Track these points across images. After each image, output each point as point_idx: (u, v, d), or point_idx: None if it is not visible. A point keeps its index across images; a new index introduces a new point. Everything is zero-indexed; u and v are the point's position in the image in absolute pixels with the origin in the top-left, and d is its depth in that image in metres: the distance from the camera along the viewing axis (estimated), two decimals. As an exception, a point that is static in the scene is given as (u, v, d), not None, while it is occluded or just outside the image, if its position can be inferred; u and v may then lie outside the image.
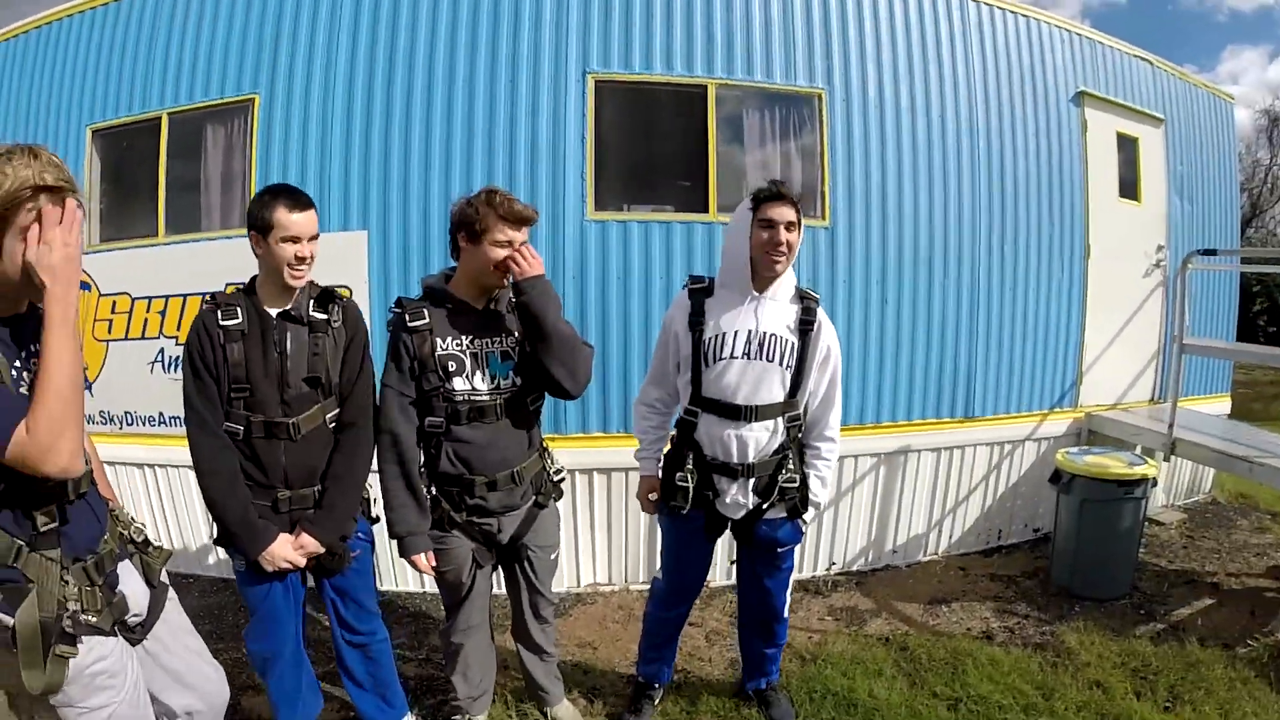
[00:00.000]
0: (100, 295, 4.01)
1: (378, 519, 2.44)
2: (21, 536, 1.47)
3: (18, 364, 1.50)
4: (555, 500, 2.48)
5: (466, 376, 2.20)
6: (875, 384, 4.01)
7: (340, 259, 3.58)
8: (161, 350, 3.87)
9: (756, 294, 2.30)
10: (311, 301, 2.19)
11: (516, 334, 2.26)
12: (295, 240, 2.05)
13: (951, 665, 3.03)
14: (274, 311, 2.14)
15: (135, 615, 1.71)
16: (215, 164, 3.91)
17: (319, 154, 3.70)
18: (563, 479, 2.51)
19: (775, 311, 2.31)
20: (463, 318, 2.23)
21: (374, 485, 2.30)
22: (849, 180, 3.94)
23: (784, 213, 2.22)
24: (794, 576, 3.95)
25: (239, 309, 2.11)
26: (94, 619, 1.54)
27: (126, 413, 4.02)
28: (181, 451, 3.88)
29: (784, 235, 2.22)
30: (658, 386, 2.52)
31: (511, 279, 2.18)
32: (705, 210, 3.72)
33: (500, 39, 3.66)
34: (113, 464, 3.81)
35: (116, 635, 1.62)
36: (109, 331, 4.00)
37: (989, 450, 4.38)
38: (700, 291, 2.37)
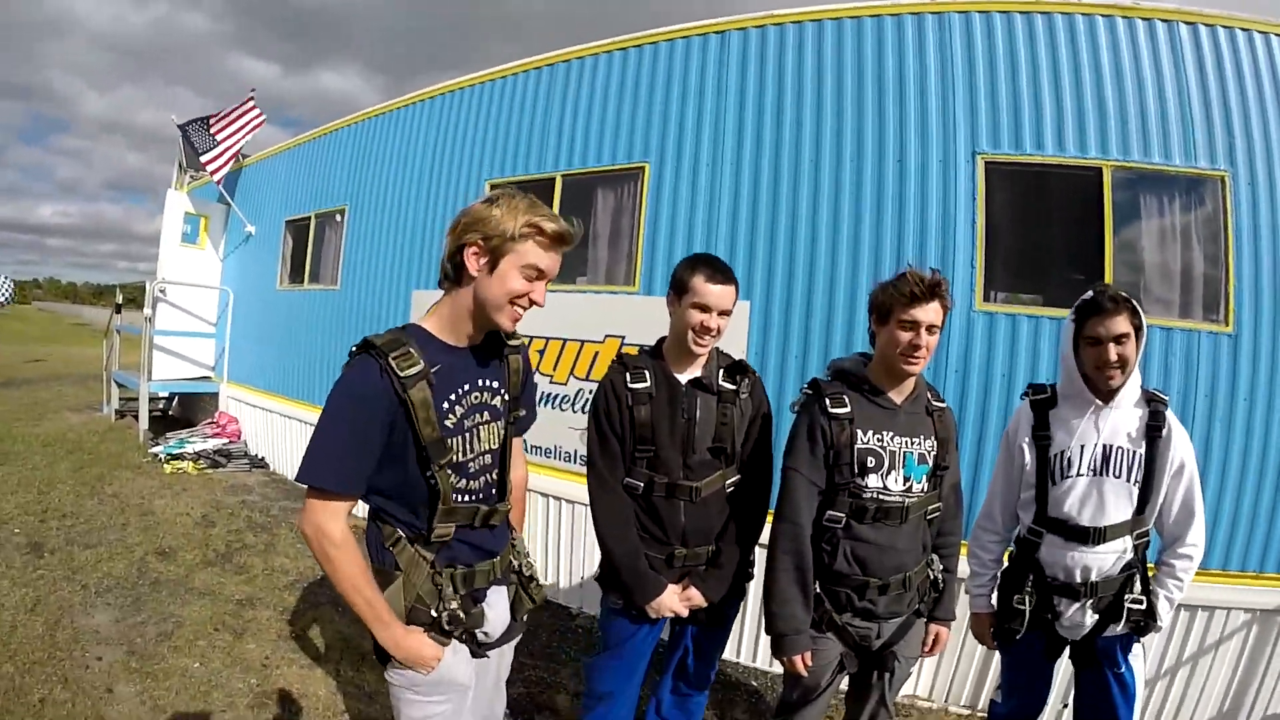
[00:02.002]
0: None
1: (752, 576, 2.46)
2: (405, 531, 1.61)
3: (452, 398, 1.60)
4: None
5: (881, 475, 2.07)
6: (1266, 525, 3.40)
7: (722, 325, 3.78)
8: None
9: (1100, 404, 2.13)
10: (721, 371, 2.24)
11: (934, 438, 2.15)
12: (705, 310, 2.10)
13: None
14: (683, 378, 2.20)
15: (485, 634, 1.75)
16: (604, 223, 4.31)
17: (706, 223, 3.92)
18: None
19: (1120, 420, 2.13)
20: (885, 412, 2.11)
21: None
22: (1255, 278, 3.44)
23: (1111, 327, 2.04)
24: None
25: (647, 372, 2.20)
26: (463, 625, 1.63)
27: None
28: (533, 479, 4.37)
29: (1114, 351, 2.04)
30: (1002, 509, 2.36)
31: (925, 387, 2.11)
32: (1100, 305, 3.48)
33: (887, 116, 3.68)
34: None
35: (464, 643, 1.70)
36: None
37: (1386, 622, 3.63)
38: (1043, 403, 2.23)
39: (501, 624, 1.80)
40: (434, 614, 1.60)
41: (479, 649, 1.74)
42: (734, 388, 2.24)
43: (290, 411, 6.82)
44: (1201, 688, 3.51)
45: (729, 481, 2.24)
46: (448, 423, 1.57)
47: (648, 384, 2.18)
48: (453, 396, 1.59)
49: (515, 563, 1.85)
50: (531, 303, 1.59)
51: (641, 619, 2.25)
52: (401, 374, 1.48)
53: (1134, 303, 2.06)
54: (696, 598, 2.24)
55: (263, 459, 7.31)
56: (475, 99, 5.08)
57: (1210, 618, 3.44)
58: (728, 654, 3.90)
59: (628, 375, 2.20)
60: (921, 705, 3.64)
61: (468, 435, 1.63)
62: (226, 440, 7.61)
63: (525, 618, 1.89)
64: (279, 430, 7.07)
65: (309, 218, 6.72)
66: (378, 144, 5.90)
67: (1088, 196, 3.55)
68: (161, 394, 8.76)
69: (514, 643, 1.90)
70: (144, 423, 7.79)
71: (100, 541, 4.72)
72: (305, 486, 1.52)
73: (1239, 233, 3.52)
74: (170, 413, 9.31)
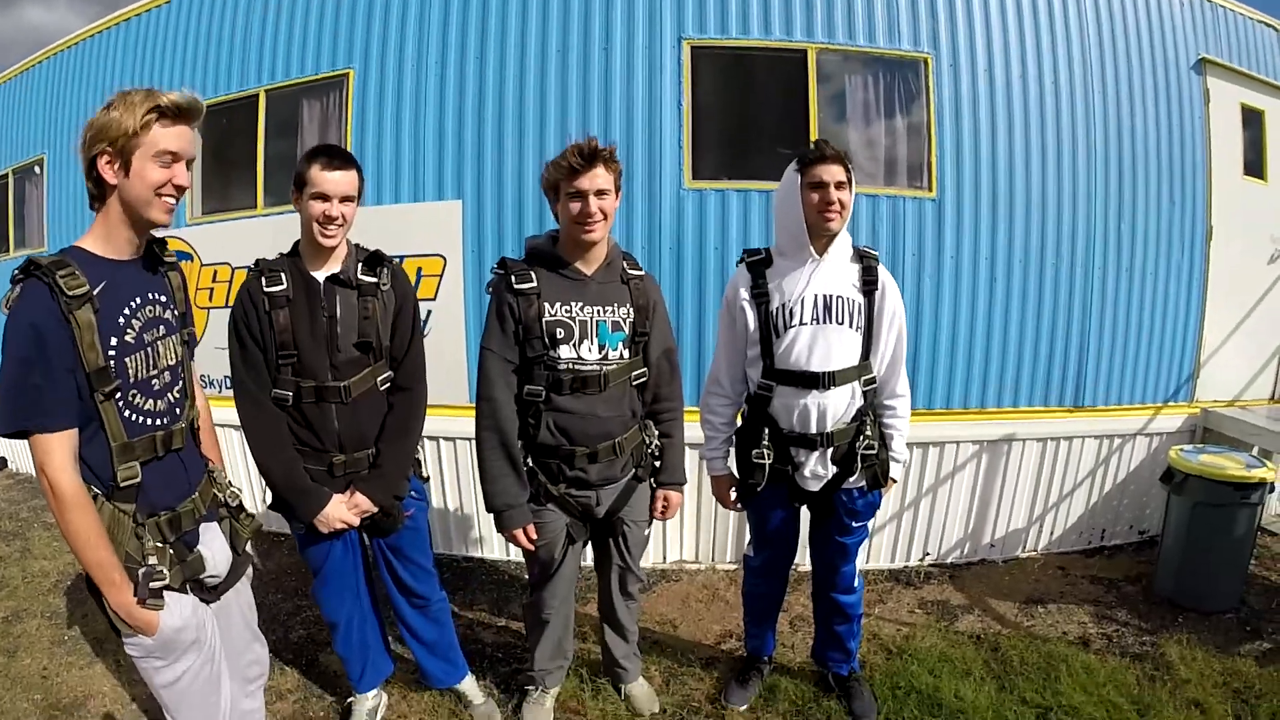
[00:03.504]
0: (202, 265, 4.12)
1: (428, 478, 2.44)
2: (99, 486, 1.49)
3: (127, 311, 1.51)
4: (652, 475, 2.39)
5: (574, 345, 2.10)
6: (981, 367, 3.78)
7: (436, 228, 3.58)
8: (259, 319, 3.92)
9: (817, 256, 2.21)
10: (360, 265, 2.14)
11: (630, 306, 2.17)
12: (325, 199, 2.01)
13: (1044, 671, 2.84)
14: (320, 275, 2.09)
15: (213, 576, 1.71)
16: (312, 138, 3.94)
17: (413, 126, 3.68)
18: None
19: (837, 272, 2.23)
20: (574, 283, 2.12)
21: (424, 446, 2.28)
22: (957, 151, 3.70)
23: (832, 172, 2.13)
24: (887, 565, 3.84)
25: (283, 274, 2.08)
26: (165, 580, 1.55)
27: (226, 376, 4.10)
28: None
29: (835, 194, 2.14)
30: (729, 371, 2.40)
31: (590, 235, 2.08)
32: (807, 180, 3.55)
33: (593, 4, 3.57)
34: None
35: (188, 593, 1.62)
36: (210, 299, 4.12)
37: (1097, 443, 4.07)
38: (759, 263, 2.30)
39: (225, 561, 1.75)
40: (144, 569, 1.52)
41: (209, 594, 1.71)
42: (374, 280, 2.13)
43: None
44: (945, 514, 3.88)
45: (381, 378, 2.18)
46: (128, 338, 1.50)
47: (284, 286, 2.07)
48: (127, 311, 1.52)
49: (220, 495, 1.78)
50: (177, 188, 1.53)
51: (322, 535, 2.17)
52: (69, 293, 1.41)
53: (845, 158, 2.17)
54: (364, 503, 2.18)
55: (1, 459, 6.42)
56: (174, 16, 4.47)
57: (942, 452, 3.79)
58: (497, 553, 3.92)
59: (263, 280, 2.05)
60: (690, 568, 3.80)
61: (149, 350, 1.57)
62: (-41, 450, 6.60)
63: (250, 550, 1.86)
64: (13, 424, 6.14)
65: (6, 175, 5.80)
66: (75, 79, 5.11)
67: (794, 78, 3.62)
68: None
69: (248, 580, 1.86)
70: None
71: None
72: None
73: (940, 110, 3.72)
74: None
